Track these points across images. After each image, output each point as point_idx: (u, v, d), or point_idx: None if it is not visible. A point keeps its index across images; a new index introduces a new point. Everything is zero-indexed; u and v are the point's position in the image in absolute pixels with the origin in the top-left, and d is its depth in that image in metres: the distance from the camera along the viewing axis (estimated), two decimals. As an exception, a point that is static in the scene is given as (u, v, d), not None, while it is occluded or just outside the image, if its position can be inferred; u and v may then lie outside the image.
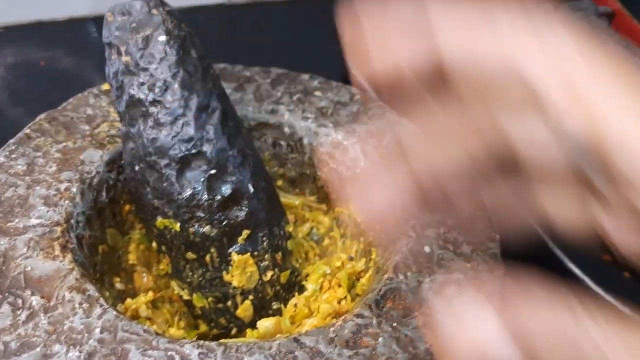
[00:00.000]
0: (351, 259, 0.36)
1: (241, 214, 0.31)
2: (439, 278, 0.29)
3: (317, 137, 0.37)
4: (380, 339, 0.26)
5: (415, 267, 0.30)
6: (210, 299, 0.32)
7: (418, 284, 0.29)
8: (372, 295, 0.28)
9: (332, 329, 0.26)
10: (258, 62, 0.68)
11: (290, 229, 0.35)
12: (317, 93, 0.39)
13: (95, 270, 0.31)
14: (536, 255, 0.42)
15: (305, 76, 0.41)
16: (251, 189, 0.31)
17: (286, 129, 0.38)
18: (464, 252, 0.31)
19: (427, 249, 0.31)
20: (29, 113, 0.46)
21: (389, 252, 0.31)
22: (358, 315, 0.27)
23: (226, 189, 0.30)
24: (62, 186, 0.31)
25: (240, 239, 0.31)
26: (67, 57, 0.65)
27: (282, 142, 0.38)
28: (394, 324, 0.27)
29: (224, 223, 0.31)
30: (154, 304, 0.34)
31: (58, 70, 0.64)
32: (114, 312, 0.26)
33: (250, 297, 0.32)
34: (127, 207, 0.35)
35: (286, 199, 0.39)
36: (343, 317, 0.27)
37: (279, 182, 0.39)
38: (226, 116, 0.31)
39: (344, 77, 0.64)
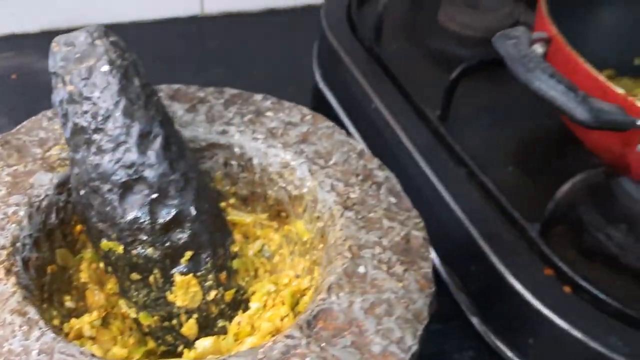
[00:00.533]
0: (297, 276, 0.37)
1: (184, 236, 0.32)
2: (370, 298, 0.30)
3: (267, 157, 0.38)
4: (307, 359, 0.27)
5: (349, 287, 0.31)
6: (155, 317, 0.34)
7: (350, 304, 0.30)
8: (305, 315, 0.29)
9: (261, 350, 0.27)
10: (230, 72, 0.70)
11: (236, 248, 0.36)
12: (269, 113, 0.40)
13: (42, 291, 0.32)
14: (478, 270, 0.44)
15: (259, 96, 0.42)
16: (193, 212, 0.32)
17: (236, 150, 0.39)
18: (397, 272, 0.32)
19: (361, 269, 0.32)
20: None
21: (326, 272, 0.32)
22: (288, 336, 0.28)
23: (168, 213, 0.32)
24: (10, 210, 0.32)
25: (183, 260, 0.33)
26: (42, 70, 0.66)
27: (233, 162, 0.39)
28: (323, 344, 0.28)
29: (166, 245, 0.32)
30: (105, 320, 0.35)
31: (31, 83, 0.65)
32: (52, 335, 0.27)
33: (195, 315, 0.34)
34: (78, 227, 0.36)
35: (238, 216, 0.40)
36: (274, 338, 0.28)
37: (232, 200, 0.40)
38: (168, 141, 0.32)
39: (314, 87, 0.66)
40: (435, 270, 0.48)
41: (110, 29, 0.32)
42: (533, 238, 0.43)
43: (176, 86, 0.42)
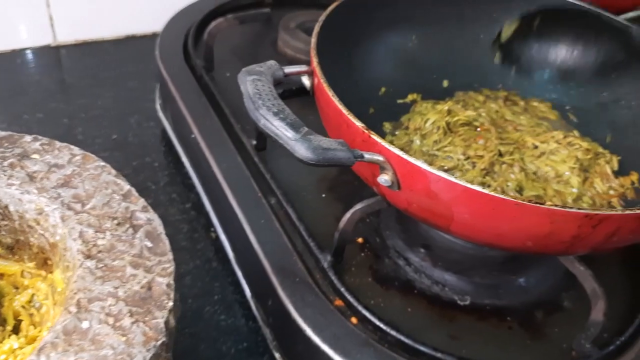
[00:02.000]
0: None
1: None
2: (85, 356, 0.29)
3: (22, 203, 0.37)
4: None
5: (64, 346, 0.29)
6: None
7: (58, 365, 0.28)
8: (4, 381, 0.28)
9: None
10: (82, 102, 0.68)
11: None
12: (35, 156, 0.39)
13: None
14: (274, 305, 0.42)
15: (28, 138, 0.40)
16: None
17: (-9, 197, 0.37)
18: (124, 325, 0.30)
19: (85, 324, 0.30)
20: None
21: (48, 330, 0.31)
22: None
23: None
24: None
25: None
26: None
27: (-9, 210, 0.37)
28: (14, 413, 0.26)
29: None
30: None
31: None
32: None
33: None
34: None
35: (3, 266, 0.38)
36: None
37: (-3, 250, 0.38)
38: None
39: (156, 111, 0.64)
40: (247, 304, 0.48)
41: None
42: (325, 269, 0.42)
43: (-62, 132, 0.40)
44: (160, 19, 0.76)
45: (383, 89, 0.49)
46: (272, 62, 0.35)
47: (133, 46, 0.78)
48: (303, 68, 0.37)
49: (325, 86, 0.35)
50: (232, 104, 0.55)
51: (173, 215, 0.56)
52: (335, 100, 0.34)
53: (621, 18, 0.48)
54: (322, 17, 0.42)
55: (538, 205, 0.29)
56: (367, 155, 0.31)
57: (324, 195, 0.49)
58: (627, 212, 0.30)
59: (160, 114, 0.63)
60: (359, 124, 0.33)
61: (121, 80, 0.71)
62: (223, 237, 0.51)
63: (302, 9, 0.66)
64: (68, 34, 0.76)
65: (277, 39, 0.64)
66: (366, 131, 0.32)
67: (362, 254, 0.45)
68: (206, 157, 0.51)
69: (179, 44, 0.62)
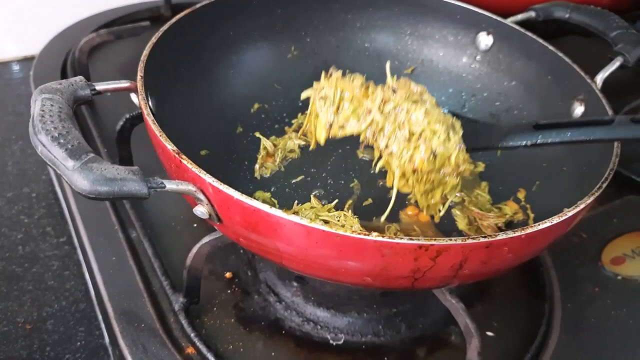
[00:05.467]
0: None
1: None
2: None
3: None
4: None
5: None
6: None
7: None
8: None
9: None
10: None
11: None
12: None
13: None
14: (116, 354, 0.37)
15: None
16: None
17: None
18: None
19: None
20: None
21: None
22: None
23: None
24: None
25: None
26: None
27: None
28: None
29: None
30: None
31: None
32: None
33: None
34: None
35: None
36: None
37: None
38: None
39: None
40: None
41: None
42: (177, 312, 0.37)
43: None
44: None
45: (256, 105, 0.45)
46: (77, 78, 0.30)
47: (28, 68, 0.73)
48: (122, 84, 0.32)
49: (143, 104, 0.31)
50: (104, 127, 0.50)
51: (44, 251, 0.51)
52: (150, 119, 0.30)
53: (509, 21, 0.44)
54: (165, 27, 0.37)
55: (362, 237, 0.25)
56: (170, 185, 0.26)
57: (195, 225, 0.44)
58: (469, 241, 0.25)
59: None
60: (170, 147, 0.28)
61: (9, 104, 0.66)
62: (87, 276, 0.46)
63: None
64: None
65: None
66: (177, 155, 0.28)
67: (229, 291, 0.40)
68: (65, 192, 0.45)
69: (57, 64, 0.57)
